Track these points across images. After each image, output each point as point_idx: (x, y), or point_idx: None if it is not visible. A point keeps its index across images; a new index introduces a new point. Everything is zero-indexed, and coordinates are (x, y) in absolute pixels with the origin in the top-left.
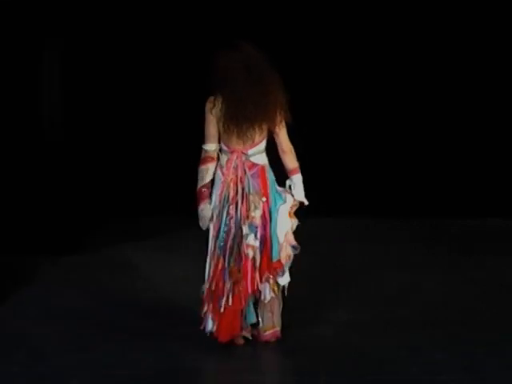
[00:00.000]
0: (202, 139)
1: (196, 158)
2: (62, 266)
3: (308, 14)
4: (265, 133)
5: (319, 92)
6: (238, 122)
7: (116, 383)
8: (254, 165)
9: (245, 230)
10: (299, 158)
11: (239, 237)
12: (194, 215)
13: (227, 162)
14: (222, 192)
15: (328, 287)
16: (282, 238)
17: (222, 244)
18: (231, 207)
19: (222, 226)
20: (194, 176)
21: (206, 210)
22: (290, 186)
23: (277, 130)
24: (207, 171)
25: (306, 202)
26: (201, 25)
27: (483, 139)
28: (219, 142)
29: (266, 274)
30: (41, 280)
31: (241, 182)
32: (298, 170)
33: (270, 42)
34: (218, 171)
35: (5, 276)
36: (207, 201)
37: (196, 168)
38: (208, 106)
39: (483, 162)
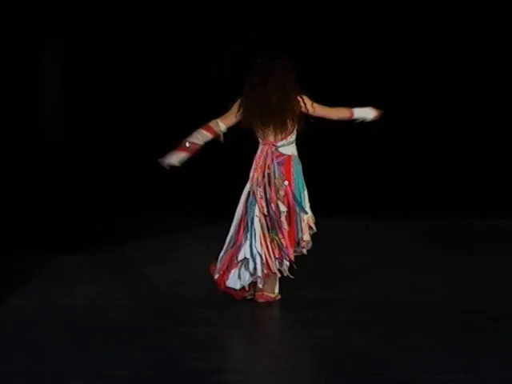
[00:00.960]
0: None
1: (196, 158)
2: (62, 266)
3: (313, 15)
4: (292, 128)
5: (320, 93)
6: (268, 123)
7: (116, 383)
8: (281, 154)
9: (281, 207)
10: (300, 157)
11: (276, 213)
12: (194, 215)
13: (260, 152)
14: (253, 176)
15: (328, 287)
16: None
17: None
18: (260, 189)
19: (251, 206)
20: (193, 176)
21: (175, 157)
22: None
23: (311, 112)
24: (203, 136)
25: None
26: (201, 25)
27: (483, 139)
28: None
29: (292, 249)
30: (41, 280)
31: (268, 168)
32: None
33: (269, 42)
34: (258, 159)
35: (5, 276)
36: (181, 154)
37: (196, 167)
38: (237, 106)
39: (483, 162)
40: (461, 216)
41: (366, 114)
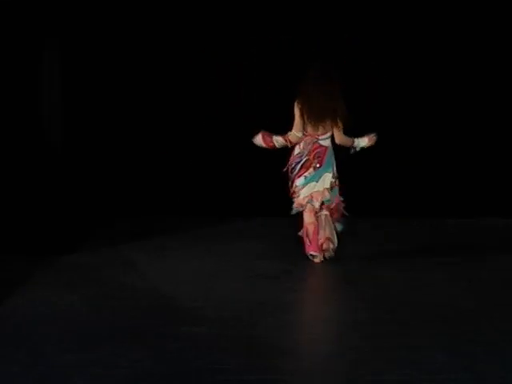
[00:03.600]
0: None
1: (195, 158)
2: (62, 266)
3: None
4: (330, 127)
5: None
6: (313, 120)
7: (116, 383)
8: (320, 146)
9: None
10: None
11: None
12: (194, 216)
13: (304, 141)
14: (300, 157)
15: (328, 287)
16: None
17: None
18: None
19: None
20: (193, 177)
21: (258, 140)
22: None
23: (336, 127)
24: (279, 142)
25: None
26: (200, 24)
27: (483, 140)
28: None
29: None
30: (41, 280)
31: (313, 151)
32: (353, 140)
33: (268, 42)
34: (297, 146)
35: (5, 276)
36: (262, 143)
37: (194, 168)
38: (297, 105)
39: (483, 162)
40: (461, 216)
41: (362, 142)
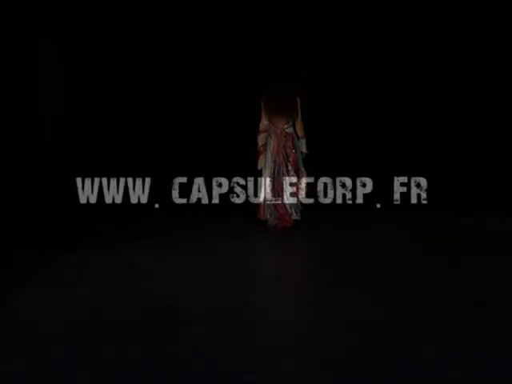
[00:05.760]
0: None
1: (193, 163)
2: (62, 266)
3: (312, 17)
4: (291, 119)
5: (321, 95)
6: (278, 115)
7: (116, 383)
8: (287, 133)
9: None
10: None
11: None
12: (194, 216)
13: (274, 132)
14: (273, 147)
15: (328, 287)
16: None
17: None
18: (277, 155)
19: (273, 166)
20: (192, 176)
21: (261, 160)
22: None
23: (295, 121)
24: (262, 138)
25: (305, 151)
26: (198, 24)
27: (483, 140)
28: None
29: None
30: (41, 280)
31: (281, 142)
32: (304, 136)
33: (268, 46)
34: (269, 137)
35: (5, 276)
36: (263, 155)
37: (194, 168)
38: (263, 105)
39: (483, 161)
40: (460, 215)
41: (303, 145)
